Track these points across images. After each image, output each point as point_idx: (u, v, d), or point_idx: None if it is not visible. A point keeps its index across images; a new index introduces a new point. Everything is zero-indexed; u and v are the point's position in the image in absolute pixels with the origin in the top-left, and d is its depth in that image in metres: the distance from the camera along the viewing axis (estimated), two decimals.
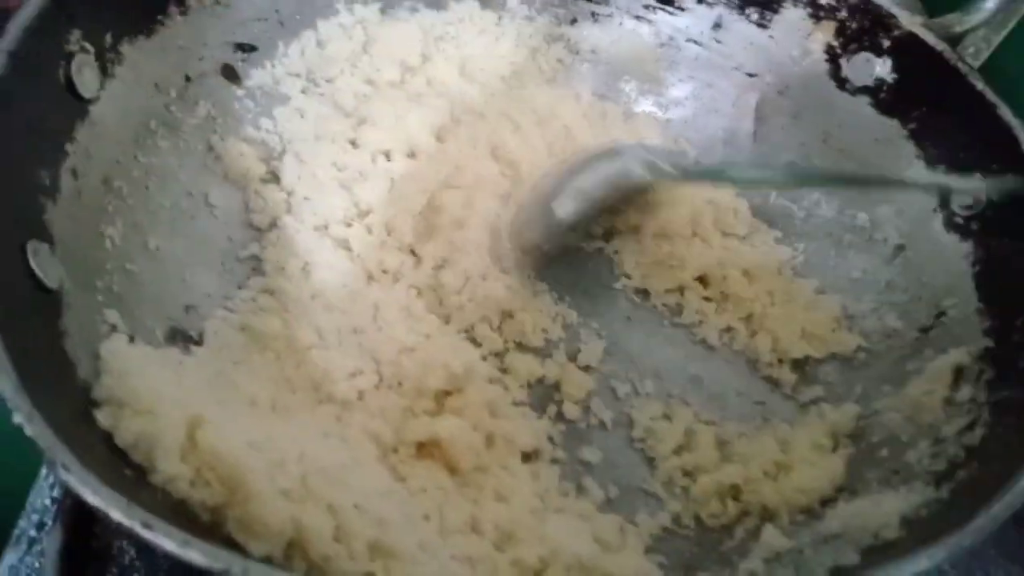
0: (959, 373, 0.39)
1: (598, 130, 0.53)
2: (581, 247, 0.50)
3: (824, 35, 0.50)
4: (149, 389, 0.29)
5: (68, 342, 0.30)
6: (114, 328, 0.34)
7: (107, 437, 0.28)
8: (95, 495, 0.23)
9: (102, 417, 0.28)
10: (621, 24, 0.55)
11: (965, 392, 0.38)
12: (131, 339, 0.33)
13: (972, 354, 0.39)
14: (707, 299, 0.49)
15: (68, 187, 0.35)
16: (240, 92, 0.47)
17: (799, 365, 0.46)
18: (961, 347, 0.40)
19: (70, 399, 0.28)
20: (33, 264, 0.30)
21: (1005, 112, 0.42)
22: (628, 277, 0.50)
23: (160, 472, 0.28)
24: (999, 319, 0.39)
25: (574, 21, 0.56)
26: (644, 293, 0.49)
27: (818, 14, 0.50)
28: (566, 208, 0.46)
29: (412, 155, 0.48)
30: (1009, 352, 0.38)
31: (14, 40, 0.32)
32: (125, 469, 0.27)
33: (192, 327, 0.39)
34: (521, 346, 0.45)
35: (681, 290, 0.49)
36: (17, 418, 0.23)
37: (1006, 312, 0.39)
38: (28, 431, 0.23)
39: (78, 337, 0.31)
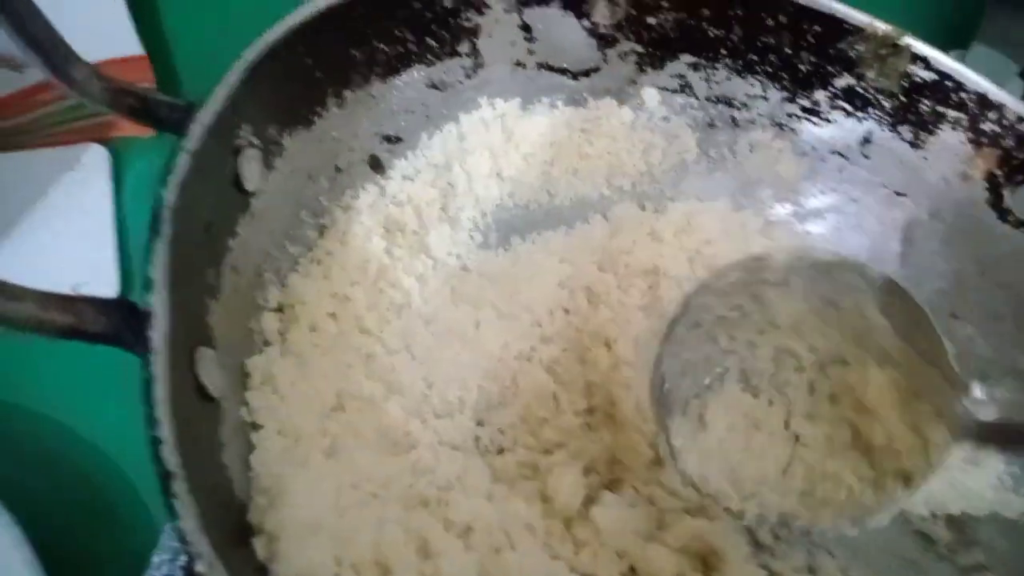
0: None
1: (738, 241, 0.50)
2: None
3: (986, 162, 0.48)
4: (304, 519, 0.28)
5: (226, 454, 0.29)
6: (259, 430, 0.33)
7: (262, 569, 0.26)
8: None
9: (259, 547, 0.27)
10: (763, 131, 0.53)
11: None
12: (283, 452, 0.32)
13: None
14: None
15: (229, 284, 0.34)
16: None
17: (956, 522, 0.42)
18: None
19: (228, 523, 0.27)
20: (200, 372, 0.29)
21: None
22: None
23: None
24: None
25: (711, 125, 0.54)
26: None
27: (980, 140, 0.48)
28: None
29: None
30: None
31: (196, 141, 0.31)
32: None
33: None
34: None
35: None
36: (200, 567, 0.21)
37: None
38: None
39: (233, 448, 0.30)
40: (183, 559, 0.34)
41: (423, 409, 0.40)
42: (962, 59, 0.67)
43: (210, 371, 0.29)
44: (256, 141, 0.36)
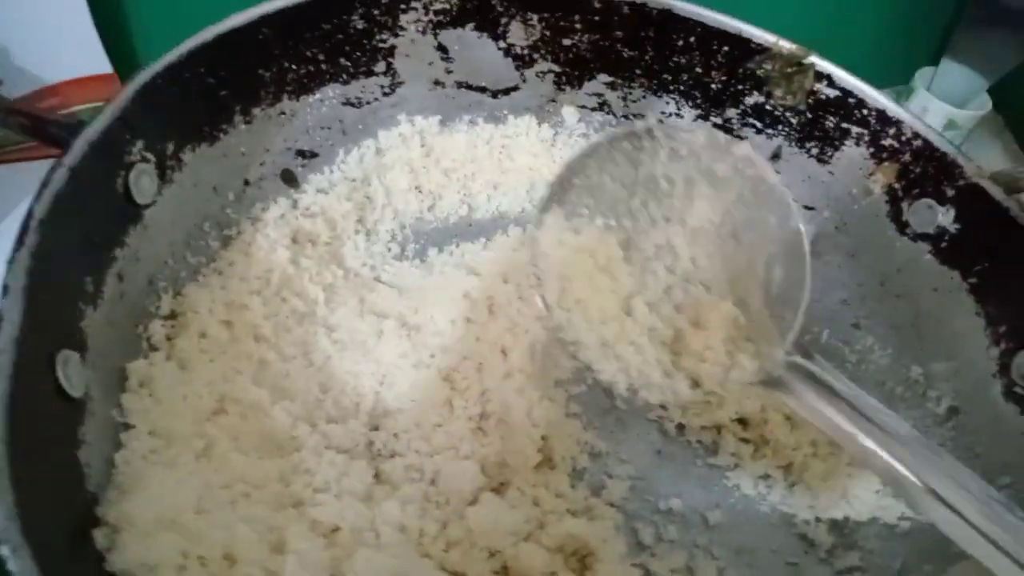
0: None
1: None
2: None
3: (886, 177, 0.49)
4: (154, 513, 0.30)
5: (84, 451, 0.31)
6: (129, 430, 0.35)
7: (99, 559, 0.28)
8: None
9: (100, 536, 0.28)
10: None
11: None
12: (150, 452, 0.34)
13: None
14: (745, 441, 0.47)
15: (112, 291, 0.36)
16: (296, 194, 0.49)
17: (837, 526, 0.43)
18: None
19: (70, 516, 0.29)
20: (60, 374, 0.30)
21: None
22: (664, 408, 0.48)
23: None
24: None
25: None
26: (679, 427, 0.48)
27: (880, 155, 0.49)
28: None
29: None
30: None
31: (76, 156, 0.33)
32: None
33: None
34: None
35: (718, 429, 0.47)
36: (3, 550, 0.23)
37: None
38: (11, 565, 0.23)
39: (96, 446, 0.32)
40: None
41: (315, 414, 0.41)
42: (932, 75, 0.69)
43: (73, 373, 0.31)
44: (150, 156, 0.38)
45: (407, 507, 0.38)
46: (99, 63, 0.56)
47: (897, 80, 0.76)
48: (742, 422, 0.47)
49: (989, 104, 0.69)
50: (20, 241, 0.30)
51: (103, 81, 0.56)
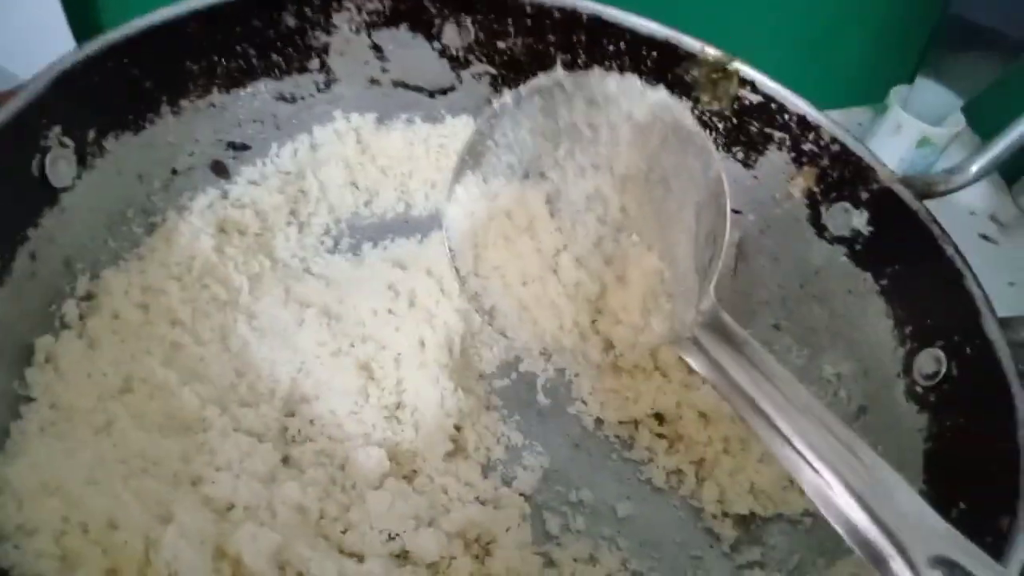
0: None
1: None
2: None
3: (805, 181, 0.50)
4: (37, 479, 0.30)
5: None
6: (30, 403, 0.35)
7: None
8: None
9: None
10: None
11: None
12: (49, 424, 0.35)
13: None
14: (660, 436, 0.48)
15: (22, 269, 0.37)
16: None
17: (743, 521, 0.44)
18: None
19: None
20: None
21: (971, 283, 0.40)
22: (584, 403, 0.49)
23: None
24: (940, 505, 0.36)
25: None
26: (598, 421, 0.48)
27: (801, 160, 0.50)
28: None
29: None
30: None
31: None
32: None
33: None
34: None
35: (635, 424, 0.48)
36: None
37: (948, 496, 0.36)
38: None
39: None
40: None
41: (227, 398, 0.42)
42: (907, 94, 0.70)
43: None
44: (68, 142, 0.39)
45: (309, 489, 0.39)
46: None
47: (872, 98, 0.77)
48: (658, 417, 0.48)
49: (963, 122, 0.70)
50: None
51: None
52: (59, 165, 0.39)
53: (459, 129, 0.56)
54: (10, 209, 0.36)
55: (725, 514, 0.44)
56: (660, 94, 0.38)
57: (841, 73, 0.79)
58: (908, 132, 0.70)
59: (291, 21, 0.49)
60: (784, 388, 0.33)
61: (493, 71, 0.55)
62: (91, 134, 0.41)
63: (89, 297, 0.41)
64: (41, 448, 0.33)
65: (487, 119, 0.40)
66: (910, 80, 0.72)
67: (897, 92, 0.72)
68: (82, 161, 0.41)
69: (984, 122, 0.74)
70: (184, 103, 0.46)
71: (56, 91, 0.38)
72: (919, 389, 0.41)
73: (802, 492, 0.43)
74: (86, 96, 0.40)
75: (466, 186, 0.41)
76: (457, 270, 0.40)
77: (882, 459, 0.31)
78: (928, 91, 0.70)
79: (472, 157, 0.41)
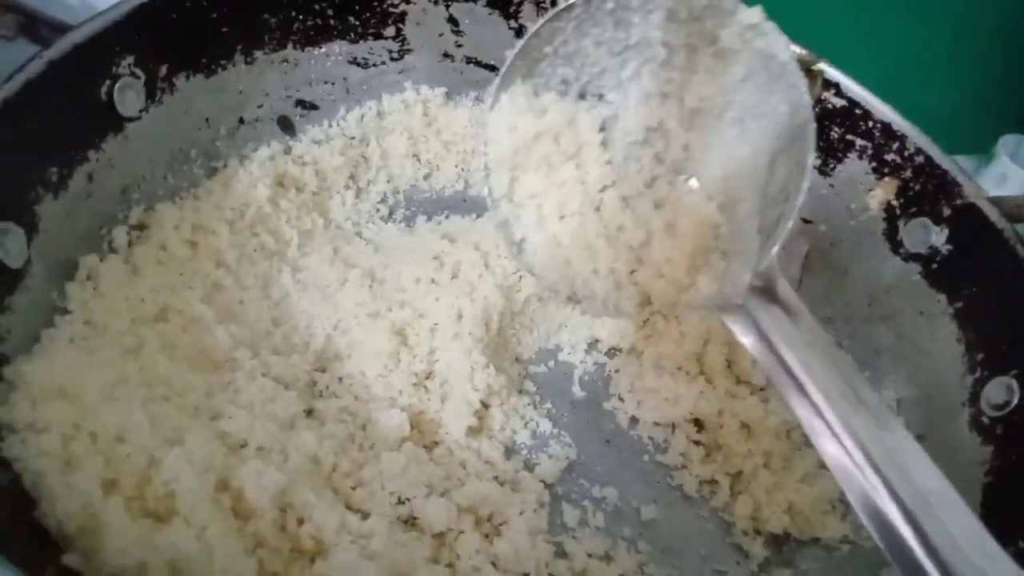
0: None
1: None
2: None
3: (885, 192, 0.47)
4: (55, 383, 0.31)
5: (6, 317, 0.32)
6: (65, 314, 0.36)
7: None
8: None
9: None
10: None
11: None
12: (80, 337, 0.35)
13: None
14: (697, 443, 0.45)
15: (78, 188, 0.38)
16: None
17: (776, 541, 0.41)
18: None
19: None
20: None
21: None
22: (621, 400, 0.47)
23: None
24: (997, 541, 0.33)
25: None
26: (633, 420, 0.46)
27: (882, 170, 0.47)
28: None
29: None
30: None
31: (58, 51, 0.36)
32: None
33: None
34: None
35: (672, 427, 0.46)
36: None
37: (1006, 533, 0.32)
38: None
39: (23, 317, 0.33)
40: None
41: (261, 343, 0.42)
42: (1016, 144, 0.66)
43: (12, 245, 0.33)
44: (139, 73, 0.40)
45: (326, 442, 0.38)
46: None
47: (977, 148, 0.73)
48: (697, 423, 0.45)
49: None
50: None
51: None
52: (127, 94, 0.40)
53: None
54: (74, 127, 0.38)
55: (757, 531, 0.41)
56: (755, 15, 0.33)
57: (944, 120, 0.75)
58: (1014, 183, 0.66)
59: None
60: (840, 376, 0.29)
61: None
62: (163, 70, 0.42)
63: (140, 227, 0.42)
64: (67, 356, 0.33)
65: (549, 20, 0.35)
66: (1021, 130, 0.67)
67: (1005, 142, 0.68)
68: (151, 95, 0.41)
69: None
70: (258, 54, 0.47)
71: (133, 21, 0.39)
72: (985, 420, 0.38)
73: (843, 517, 0.41)
74: (162, 32, 0.41)
75: (512, 96, 0.36)
76: (490, 191, 0.36)
77: (945, 478, 0.28)
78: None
79: (525, 63, 0.36)
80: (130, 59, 0.40)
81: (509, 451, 0.43)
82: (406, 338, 0.44)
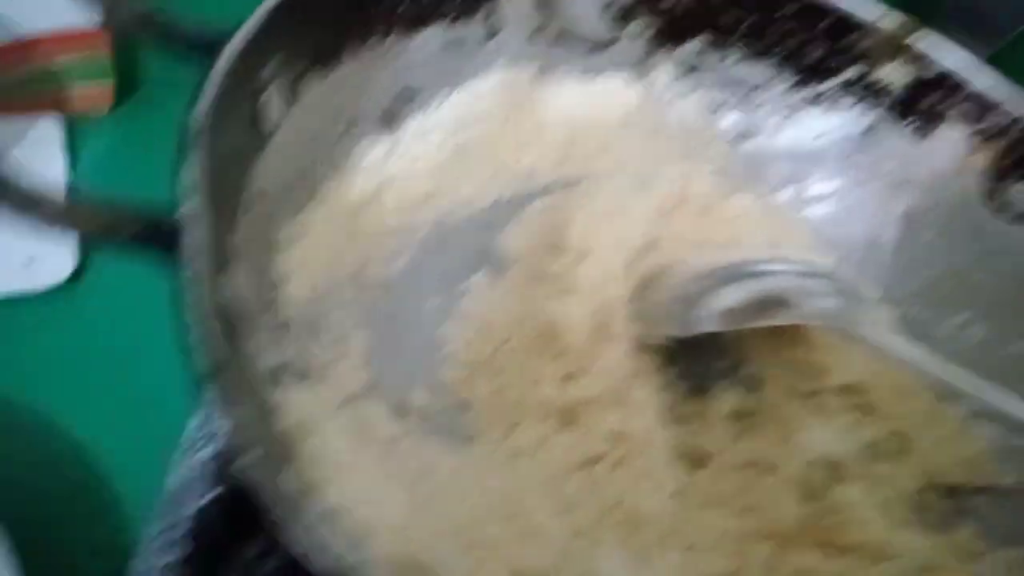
0: None
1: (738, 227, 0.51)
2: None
3: (986, 156, 0.49)
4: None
5: None
6: None
7: None
8: None
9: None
10: (770, 117, 0.54)
11: None
12: None
13: None
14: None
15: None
16: None
17: (952, 493, 0.43)
18: None
19: None
20: None
21: None
22: None
23: None
24: None
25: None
26: None
27: (978, 137, 0.49)
28: (708, 325, 0.44)
29: None
30: None
31: (228, 61, 0.31)
32: None
33: None
34: None
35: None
36: None
37: None
38: None
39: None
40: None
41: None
42: None
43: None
44: (282, 79, 0.36)
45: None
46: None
47: None
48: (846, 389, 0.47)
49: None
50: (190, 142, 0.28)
51: (92, 35, 0.51)
52: (269, 107, 0.36)
53: (611, 89, 0.54)
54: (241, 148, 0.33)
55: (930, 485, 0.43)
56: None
57: None
58: None
59: None
60: None
61: (655, 28, 0.52)
62: (295, 73, 0.38)
63: None
64: None
65: None
66: None
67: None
68: (287, 104, 0.37)
69: None
70: (368, 44, 0.43)
71: (275, 20, 0.35)
72: None
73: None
74: (294, 29, 0.37)
75: None
76: None
77: None
78: None
79: None
80: (273, 65, 0.35)
81: None
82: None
